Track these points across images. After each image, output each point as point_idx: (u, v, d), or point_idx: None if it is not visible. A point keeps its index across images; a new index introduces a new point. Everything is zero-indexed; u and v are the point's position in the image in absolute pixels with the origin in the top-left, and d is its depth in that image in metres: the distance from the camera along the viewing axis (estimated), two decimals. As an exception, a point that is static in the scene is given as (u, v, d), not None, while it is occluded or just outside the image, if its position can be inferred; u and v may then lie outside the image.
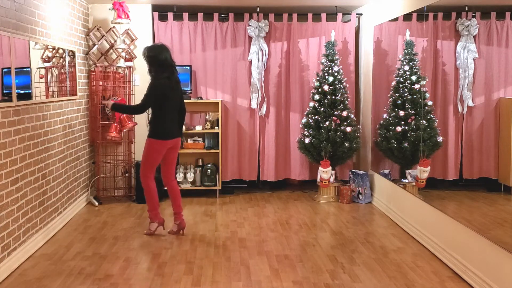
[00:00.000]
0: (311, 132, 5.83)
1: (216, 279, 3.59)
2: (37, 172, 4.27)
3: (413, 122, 4.80)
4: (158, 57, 4.40)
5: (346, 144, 5.75)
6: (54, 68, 4.76)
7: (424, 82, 4.68)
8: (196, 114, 6.33)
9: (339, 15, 6.21)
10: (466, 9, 4.14)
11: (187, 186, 6.07)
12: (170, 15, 6.10)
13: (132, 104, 5.93)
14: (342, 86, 5.81)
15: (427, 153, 4.55)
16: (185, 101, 5.96)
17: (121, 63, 5.91)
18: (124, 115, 5.67)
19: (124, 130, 5.81)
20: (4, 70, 3.68)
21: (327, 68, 5.81)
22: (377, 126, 5.54)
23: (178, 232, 4.64)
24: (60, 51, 4.88)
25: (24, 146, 3.99)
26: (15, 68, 3.80)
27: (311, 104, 5.91)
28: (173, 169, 4.75)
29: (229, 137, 6.30)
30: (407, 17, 4.89)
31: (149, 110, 4.54)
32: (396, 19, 5.14)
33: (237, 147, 6.34)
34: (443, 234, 3.97)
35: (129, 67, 6.00)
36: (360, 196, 5.85)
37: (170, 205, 4.70)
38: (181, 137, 4.77)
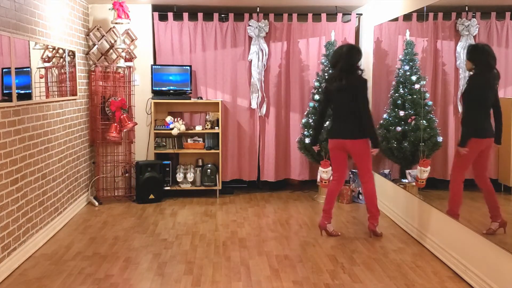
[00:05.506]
0: (311, 132, 5.83)
1: (216, 279, 3.59)
2: (37, 172, 4.27)
3: (413, 122, 4.80)
4: (331, 60, 4.58)
5: (346, 144, 5.75)
6: (54, 68, 4.76)
7: (424, 82, 4.68)
8: (196, 114, 6.33)
9: (339, 15, 6.21)
10: (466, 9, 4.14)
11: (187, 186, 6.07)
12: (170, 15, 6.10)
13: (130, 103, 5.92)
14: (342, 86, 5.80)
15: (427, 153, 4.55)
16: (184, 101, 6.07)
17: (121, 63, 5.91)
18: (124, 114, 5.67)
19: (124, 130, 5.81)
20: (4, 70, 3.68)
21: (327, 68, 5.81)
22: (377, 126, 5.53)
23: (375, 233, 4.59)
24: (60, 51, 4.88)
25: (24, 146, 3.99)
26: (15, 68, 3.80)
27: (311, 104, 5.91)
28: (361, 170, 4.60)
29: (229, 137, 6.30)
30: (407, 17, 4.88)
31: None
32: (396, 19, 5.14)
33: (237, 147, 6.34)
34: (443, 234, 3.97)
35: (129, 67, 6.00)
36: (360, 196, 5.85)
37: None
38: (358, 139, 4.49)
